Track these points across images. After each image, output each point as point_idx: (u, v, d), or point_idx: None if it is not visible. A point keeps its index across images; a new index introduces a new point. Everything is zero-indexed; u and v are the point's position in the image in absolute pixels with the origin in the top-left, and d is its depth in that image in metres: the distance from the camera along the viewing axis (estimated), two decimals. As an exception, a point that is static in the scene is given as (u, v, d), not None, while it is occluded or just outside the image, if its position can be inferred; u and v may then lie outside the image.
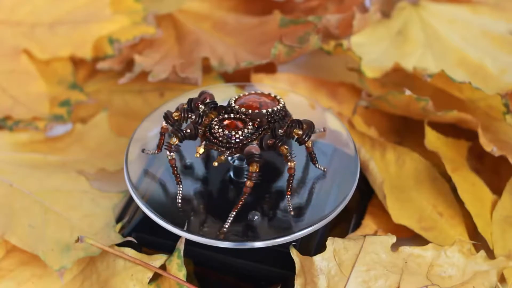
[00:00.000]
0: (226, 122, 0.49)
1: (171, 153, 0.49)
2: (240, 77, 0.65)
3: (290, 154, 0.48)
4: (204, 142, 0.48)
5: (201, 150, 0.48)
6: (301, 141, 0.49)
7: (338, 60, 0.67)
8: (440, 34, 0.67)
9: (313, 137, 0.51)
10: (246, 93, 0.52)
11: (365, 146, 0.60)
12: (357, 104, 0.62)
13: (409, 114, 0.62)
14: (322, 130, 0.54)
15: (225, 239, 0.48)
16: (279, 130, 0.49)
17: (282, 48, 0.62)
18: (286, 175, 0.51)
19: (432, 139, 0.59)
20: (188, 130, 0.49)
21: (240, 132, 0.48)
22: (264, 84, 0.62)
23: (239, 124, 0.49)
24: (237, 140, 0.48)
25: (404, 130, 0.63)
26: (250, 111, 0.50)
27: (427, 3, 0.69)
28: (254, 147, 0.48)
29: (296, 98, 0.57)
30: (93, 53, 0.66)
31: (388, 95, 0.60)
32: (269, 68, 0.65)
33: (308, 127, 0.49)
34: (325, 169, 0.52)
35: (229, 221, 0.48)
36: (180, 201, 0.50)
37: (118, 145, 0.61)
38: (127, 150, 0.53)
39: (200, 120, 0.50)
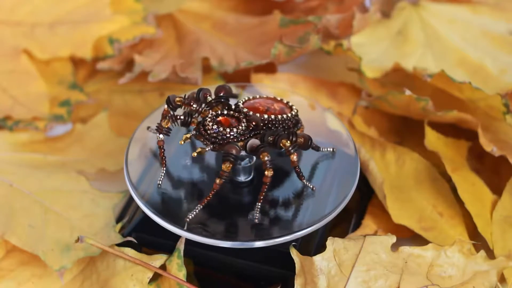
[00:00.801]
0: (220, 118, 0.49)
1: (160, 135, 0.50)
2: (240, 77, 0.65)
3: (270, 162, 0.47)
4: (194, 132, 0.49)
5: (185, 137, 0.49)
6: (287, 153, 0.48)
7: (338, 60, 0.67)
8: (440, 34, 0.67)
9: (319, 154, 0.52)
10: (258, 96, 0.52)
11: (365, 146, 0.60)
12: (357, 104, 0.62)
13: (409, 114, 0.62)
14: (330, 150, 0.53)
15: (226, 238, 0.48)
16: (269, 137, 0.49)
17: (282, 48, 0.62)
18: (287, 175, 0.51)
19: (432, 139, 0.59)
20: (182, 117, 0.49)
21: (228, 130, 0.49)
22: (264, 84, 0.62)
23: (233, 122, 0.49)
24: (224, 137, 0.48)
25: (404, 130, 0.63)
26: (265, 116, 0.50)
27: (427, 3, 0.69)
28: (234, 147, 0.48)
29: (296, 98, 0.57)
30: (93, 53, 0.66)
31: (388, 95, 0.60)
32: (269, 68, 0.65)
33: (305, 140, 0.49)
34: (314, 188, 0.50)
35: (194, 213, 0.48)
36: (160, 183, 0.50)
37: (118, 145, 0.61)
38: (127, 150, 0.53)
39: (200, 110, 0.50)
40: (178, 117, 0.50)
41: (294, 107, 0.52)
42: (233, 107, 0.50)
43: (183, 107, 0.50)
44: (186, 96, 0.51)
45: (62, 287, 0.52)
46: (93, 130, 0.63)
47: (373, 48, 0.67)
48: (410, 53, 0.66)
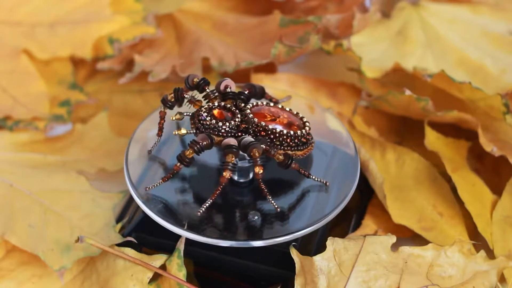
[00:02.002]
0: (215, 111, 0.50)
1: (165, 108, 0.51)
2: (240, 77, 0.65)
3: (261, 159, 0.48)
4: (187, 115, 0.50)
5: (175, 117, 0.50)
6: (254, 162, 0.48)
7: (338, 60, 0.67)
8: (440, 34, 0.67)
9: (319, 154, 0.52)
10: (272, 104, 0.52)
11: (365, 146, 0.60)
12: (357, 104, 0.62)
13: (409, 114, 0.62)
14: (323, 182, 0.51)
15: (226, 238, 0.48)
16: (262, 145, 0.49)
17: (282, 48, 0.62)
18: (287, 175, 0.51)
19: (432, 139, 0.59)
20: (172, 97, 0.51)
21: (220, 124, 0.49)
22: (264, 84, 0.62)
23: (228, 116, 0.50)
24: (215, 129, 0.49)
25: (404, 130, 0.63)
26: (263, 123, 0.50)
27: (427, 3, 0.69)
28: (232, 140, 0.48)
29: (296, 99, 0.57)
30: (93, 53, 0.66)
31: (388, 95, 0.60)
32: (269, 68, 0.65)
33: (284, 158, 0.48)
34: (277, 208, 0.49)
35: (204, 206, 0.48)
36: (151, 150, 0.52)
37: (118, 145, 0.61)
38: (127, 150, 0.53)
39: (205, 98, 0.51)
40: (179, 93, 0.51)
41: (307, 126, 0.51)
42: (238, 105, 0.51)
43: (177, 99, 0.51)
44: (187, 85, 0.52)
45: (62, 287, 0.52)
46: (93, 130, 0.63)
47: (373, 48, 0.67)
48: (410, 53, 0.66)
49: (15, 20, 0.66)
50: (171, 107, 0.52)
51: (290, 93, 0.58)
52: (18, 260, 0.54)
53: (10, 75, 0.65)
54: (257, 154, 0.48)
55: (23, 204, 0.55)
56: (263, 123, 0.50)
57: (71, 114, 0.63)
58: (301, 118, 0.51)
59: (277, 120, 0.50)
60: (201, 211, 0.48)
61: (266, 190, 0.49)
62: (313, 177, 0.50)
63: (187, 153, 0.48)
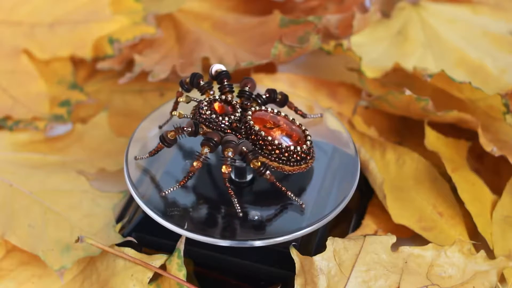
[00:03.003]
0: (215, 104, 0.50)
1: (182, 95, 0.51)
2: (240, 77, 0.65)
3: (230, 159, 0.48)
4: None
5: (181, 99, 0.51)
6: (224, 161, 0.48)
7: (338, 60, 0.67)
8: (440, 34, 0.67)
9: (318, 153, 0.52)
10: (276, 111, 0.51)
11: (365, 146, 0.60)
12: (357, 104, 0.62)
13: (409, 114, 0.62)
14: (300, 202, 0.50)
15: (226, 238, 0.48)
16: (242, 147, 0.49)
17: (282, 48, 0.62)
18: (287, 176, 0.51)
19: (432, 139, 0.59)
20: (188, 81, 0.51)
21: (220, 118, 0.49)
22: (264, 85, 0.62)
23: (228, 110, 0.50)
24: (215, 123, 0.49)
25: (404, 130, 0.63)
26: (256, 127, 0.49)
27: (427, 3, 0.69)
28: (216, 135, 0.49)
29: (295, 99, 0.57)
30: (93, 53, 0.66)
31: (388, 95, 0.60)
32: (269, 68, 0.65)
33: (260, 166, 0.48)
34: (240, 213, 0.49)
35: (172, 189, 0.49)
36: (162, 125, 0.52)
37: (118, 145, 0.61)
38: (127, 150, 0.53)
39: (219, 90, 0.51)
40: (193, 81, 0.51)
41: (308, 141, 0.50)
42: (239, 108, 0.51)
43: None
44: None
45: (62, 287, 0.52)
46: (93, 130, 0.63)
47: (373, 48, 0.67)
48: (410, 53, 0.66)
49: (15, 20, 0.66)
50: (187, 90, 0.52)
51: (310, 103, 0.57)
52: (18, 260, 0.54)
53: (10, 75, 0.65)
54: (229, 154, 0.48)
55: (23, 204, 0.55)
56: (257, 128, 0.49)
57: (71, 114, 0.63)
58: (305, 135, 0.51)
59: (275, 129, 0.50)
60: (165, 192, 0.49)
61: (232, 192, 0.48)
62: (290, 194, 0.49)
63: (170, 134, 0.49)
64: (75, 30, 0.66)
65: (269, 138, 0.49)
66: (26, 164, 0.59)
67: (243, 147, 0.48)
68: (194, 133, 0.49)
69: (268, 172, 0.48)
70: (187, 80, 0.52)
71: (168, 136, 0.49)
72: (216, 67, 0.52)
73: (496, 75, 0.64)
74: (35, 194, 0.56)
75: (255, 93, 0.52)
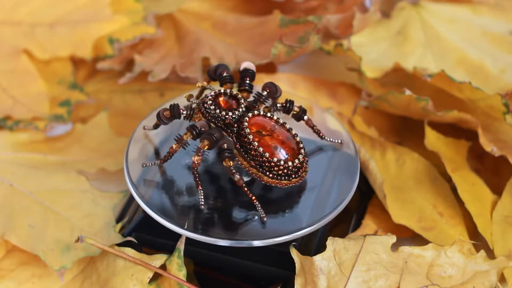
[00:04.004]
0: (220, 99, 0.50)
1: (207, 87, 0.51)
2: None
3: (202, 151, 0.48)
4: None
5: (200, 84, 0.51)
6: (196, 154, 0.48)
7: (338, 60, 0.67)
8: (440, 34, 0.67)
9: (318, 154, 0.52)
10: (288, 126, 0.50)
11: (365, 146, 0.60)
12: (357, 104, 0.62)
13: (409, 114, 0.62)
14: (262, 215, 0.49)
15: (227, 237, 0.48)
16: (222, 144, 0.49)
17: (282, 48, 0.62)
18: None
19: (432, 139, 0.59)
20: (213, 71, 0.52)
21: (224, 113, 0.49)
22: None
23: (233, 104, 0.50)
24: (219, 118, 0.49)
25: (404, 130, 0.63)
26: (248, 130, 0.49)
27: (427, 3, 0.69)
28: (204, 124, 0.49)
29: (295, 99, 0.57)
30: (93, 53, 0.66)
31: (388, 95, 0.60)
32: (269, 68, 0.65)
33: (233, 169, 0.48)
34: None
35: (153, 163, 0.50)
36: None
37: (118, 145, 0.61)
38: (127, 150, 0.53)
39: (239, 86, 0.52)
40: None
41: (301, 155, 0.49)
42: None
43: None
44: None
45: (62, 287, 0.52)
46: (93, 130, 0.63)
47: (373, 48, 0.67)
48: (410, 53, 0.66)
49: (15, 20, 0.66)
50: (213, 79, 0.52)
51: (310, 103, 0.57)
52: (18, 260, 0.54)
53: (10, 75, 0.65)
54: (204, 146, 0.48)
55: (23, 204, 0.55)
56: (248, 130, 0.49)
57: (71, 114, 0.63)
58: (300, 152, 0.49)
59: (267, 137, 0.49)
60: (146, 165, 0.50)
61: (198, 180, 0.49)
62: (256, 203, 0.48)
63: (165, 112, 0.50)
64: (75, 30, 0.66)
65: (255, 143, 0.49)
66: (26, 164, 0.59)
67: (224, 144, 0.48)
68: (189, 117, 0.50)
69: (238, 175, 0.48)
70: (213, 69, 0.52)
71: (164, 114, 0.50)
72: (246, 64, 0.52)
73: (496, 75, 0.64)
74: (35, 194, 0.56)
75: (270, 99, 0.52)
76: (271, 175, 0.49)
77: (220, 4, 0.71)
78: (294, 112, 0.52)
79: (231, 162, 0.48)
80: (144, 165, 0.51)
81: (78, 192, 0.57)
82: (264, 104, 0.51)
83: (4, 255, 0.54)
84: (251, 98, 0.52)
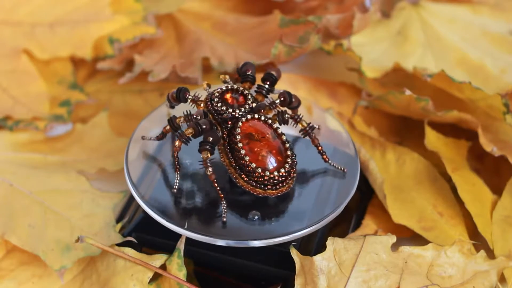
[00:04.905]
0: (227, 96, 0.50)
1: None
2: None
3: (185, 138, 0.49)
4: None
5: (222, 76, 0.52)
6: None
7: (338, 60, 0.67)
8: (440, 34, 0.67)
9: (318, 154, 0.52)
10: (273, 126, 0.50)
11: (365, 146, 0.60)
12: (357, 104, 0.62)
13: (409, 114, 0.62)
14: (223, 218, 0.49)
15: (227, 237, 0.48)
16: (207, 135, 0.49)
17: (282, 48, 0.62)
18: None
19: (432, 139, 0.59)
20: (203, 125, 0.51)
21: (230, 110, 0.49)
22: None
23: (240, 100, 0.50)
24: (228, 114, 0.49)
25: (404, 130, 0.63)
26: (238, 130, 0.49)
27: (427, 3, 0.69)
28: (206, 122, 0.49)
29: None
30: (93, 53, 0.66)
31: (388, 95, 0.60)
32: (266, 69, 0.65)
33: (207, 160, 0.49)
34: (224, 219, 0.49)
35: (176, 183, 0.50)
36: (176, 187, 0.51)
37: (118, 145, 0.61)
38: (127, 150, 0.53)
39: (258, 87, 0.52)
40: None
41: (283, 169, 0.48)
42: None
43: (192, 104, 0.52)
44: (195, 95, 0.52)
45: (62, 287, 0.52)
46: (93, 130, 0.63)
47: (373, 48, 0.67)
48: (410, 53, 0.66)
49: (15, 20, 0.66)
50: (238, 75, 0.53)
51: (309, 103, 0.57)
52: (18, 260, 0.54)
53: (10, 75, 0.65)
54: (188, 133, 0.49)
55: (23, 204, 0.55)
56: (239, 130, 0.49)
57: (71, 114, 0.63)
58: (284, 166, 0.49)
59: (256, 143, 0.49)
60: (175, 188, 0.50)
61: (177, 164, 0.50)
62: (223, 202, 0.49)
63: (174, 95, 0.51)
64: (75, 30, 0.66)
65: (240, 144, 0.49)
66: (26, 164, 0.59)
67: (210, 137, 0.48)
68: (194, 102, 0.51)
69: (211, 170, 0.48)
70: (240, 65, 0.53)
71: (172, 95, 0.51)
72: (272, 71, 0.52)
73: (496, 75, 0.64)
74: (35, 194, 0.56)
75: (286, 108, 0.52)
76: (246, 179, 0.49)
77: (220, 4, 0.71)
78: (302, 127, 0.51)
79: (208, 154, 0.48)
80: (144, 137, 0.52)
81: (78, 192, 0.57)
82: (274, 110, 0.51)
83: (4, 255, 0.54)
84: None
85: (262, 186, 0.49)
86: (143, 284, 0.50)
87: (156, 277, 0.51)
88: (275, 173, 0.48)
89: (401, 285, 0.49)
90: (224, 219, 0.49)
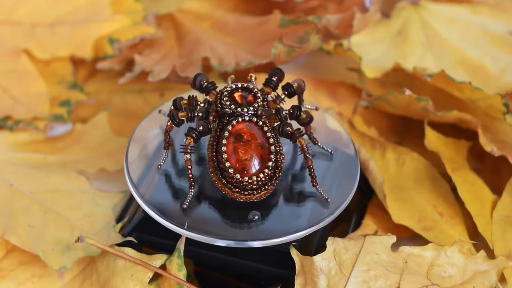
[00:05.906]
0: (236, 94, 0.50)
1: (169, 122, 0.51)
2: (240, 77, 0.65)
3: (177, 121, 0.50)
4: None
5: (231, 78, 0.52)
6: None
7: (338, 60, 0.67)
8: (440, 34, 0.67)
9: (318, 154, 0.52)
10: (268, 132, 0.49)
11: (365, 146, 0.60)
12: (357, 104, 0.62)
13: (409, 114, 0.62)
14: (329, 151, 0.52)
15: (227, 238, 0.48)
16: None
17: (282, 48, 0.62)
18: (287, 176, 0.51)
19: (432, 139, 0.59)
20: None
21: (239, 109, 0.49)
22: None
23: (250, 98, 0.50)
24: (236, 113, 0.49)
25: (404, 130, 0.63)
26: (229, 127, 0.49)
27: (427, 3, 0.69)
28: (204, 125, 0.49)
29: (295, 100, 0.57)
30: (93, 53, 0.66)
31: (388, 95, 0.60)
32: (269, 68, 0.65)
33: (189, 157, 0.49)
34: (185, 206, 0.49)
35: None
36: (161, 164, 0.52)
37: (118, 145, 0.61)
38: (127, 150, 0.53)
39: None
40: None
41: (255, 176, 0.48)
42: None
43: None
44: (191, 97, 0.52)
45: (62, 287, 0.52)
46: (93, 130, 0.63)
47: (373, 48, 0.67)
48: (410, 53, 0.66)
49: (15, 20, 0.66)
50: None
51: (309, 103, 0.57)
52: (18, 260, 0.54)
53: (10, 75, 0.65)
54: (181, 116, 0.50)
55: (23, 204, 0.55)
56: (230, 128, 0.49)
57: (71, 114, 0.63)
58: (263, 171, 0.48)
59: (241, 144, 0.49)
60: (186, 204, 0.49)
61: (167, 142, 0.51)
62: (192, 184, 0.49)
63: (187, 141, 0.50)
64: (75, 30, 0.66)
65: (224, 141, 0.49)
66: (26, 164, 0.59)
67: (200, 127, 0.49)
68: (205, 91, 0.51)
69: (188, 156, 0.49)
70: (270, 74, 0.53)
71: (179, 115, 0.50)
72: (296, 81, 0.52)
73: (496, 75, 0.64)
74: (35, 194, 0.56)
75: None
76: (224, 181, 0.49)
77: (220, 4, 0.71)
78: (299, 145, 0.50)
79: (191, 141, 0.49)
80: (159, 166, 0.52)
81: (78, 192, 0.57)
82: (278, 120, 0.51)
83: (4, 255, 0.54)
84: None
85: (236, 189, 0.49)
86: (143, 284, 0.50)
87: (156, 277, 0.51)
88: (246, 178, 0.48)
89: (401, 285, 0.49)
90: (185, 206, 0.49)
